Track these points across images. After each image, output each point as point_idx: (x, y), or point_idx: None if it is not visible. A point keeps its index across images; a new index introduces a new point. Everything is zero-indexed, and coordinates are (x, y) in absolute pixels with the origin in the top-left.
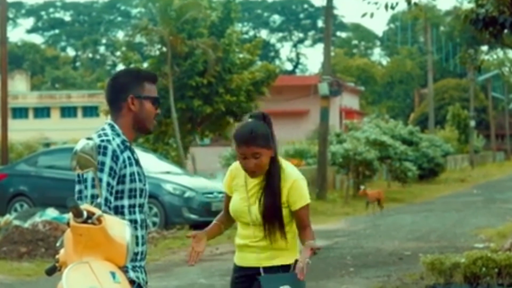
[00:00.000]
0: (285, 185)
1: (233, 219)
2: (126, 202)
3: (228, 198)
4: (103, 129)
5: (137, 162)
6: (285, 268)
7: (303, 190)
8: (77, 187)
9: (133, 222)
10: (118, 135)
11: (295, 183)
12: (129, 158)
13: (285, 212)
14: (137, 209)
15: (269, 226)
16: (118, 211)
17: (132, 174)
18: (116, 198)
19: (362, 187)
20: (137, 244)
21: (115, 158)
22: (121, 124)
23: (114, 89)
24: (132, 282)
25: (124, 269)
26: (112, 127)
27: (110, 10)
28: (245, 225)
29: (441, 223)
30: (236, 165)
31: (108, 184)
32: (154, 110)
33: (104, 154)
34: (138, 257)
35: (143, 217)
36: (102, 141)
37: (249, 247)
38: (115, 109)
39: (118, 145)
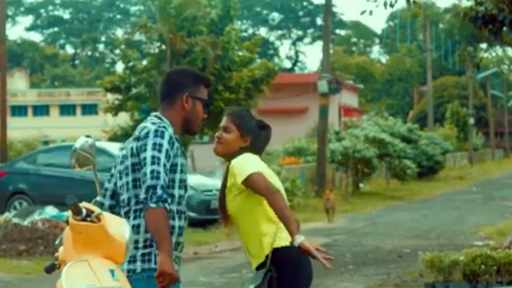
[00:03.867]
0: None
1: None
2: (176, 192)
3: None
4: (156, 118)
5: (184, 154)
6: (260, 268)
7: (239, 166)
8: (130, 177)
9: (181, 212)
10: (169, 126)
11: (232, 167)
12: (177, 148)
13: (237, 201)
14: (183, 200)
15: (223, 218)
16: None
17: (182, 165)
18: (167, 187)
19: (327, 190)
20: (181, 234)
21: (171, 143)
22: (170, 119)
23: (171, 84)
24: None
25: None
26: (160, 119)
27: (109, 8)
28: None
29: (440, 221)
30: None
31: (165, 165)
32: (203, 113)
33: (162, 137)
34: (179, 248)
35: (181, 208)
36: (160, 126)
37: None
38: (167, 104)
39: (170, 136)
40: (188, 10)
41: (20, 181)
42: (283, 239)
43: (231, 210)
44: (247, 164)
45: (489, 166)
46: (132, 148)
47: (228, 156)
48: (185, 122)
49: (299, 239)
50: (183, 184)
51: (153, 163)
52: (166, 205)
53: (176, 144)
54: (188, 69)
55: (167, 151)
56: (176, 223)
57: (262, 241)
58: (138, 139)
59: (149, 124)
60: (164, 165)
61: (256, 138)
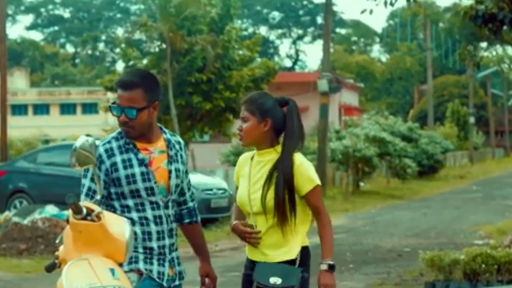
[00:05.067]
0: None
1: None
2: (130, 201)
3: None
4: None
5: (142, 163)
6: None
7: (309, 172)
8: (82, 181)
9: (143, 218)
10: (122, 137)
11: (300, 167)
12: (123, 161)
13: (286, 200)
14: (147, 206)
15: (280, 213)
16: (124, 210)
17: (129, 176)
18: (118, 199)
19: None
20: (150, 239)
21: (99, 163)
22: None
23: None
24: (140, 273)
25: (134, 260)
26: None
27: (110, 6)
28: (248, 216)
29: (441, 220)
30: (244, 155)
31: (89, 188)
32: (117, 117)
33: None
34: (155, 252)
35: (160, 213)
36: (103, 143)
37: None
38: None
39: (108, 149)
40: (188, 9)
41: (20, 180)
42: (305, 240)
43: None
44: (313, 172)
45: (490, 165)
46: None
47: (257, 144)
48: (149, 126)
49: (324, 267)
50: (140, 193)
51: (92, 179)
52: None
53: (121, 156)
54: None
55: (92, 173)
56: (153, 228)
57: (296, 240)
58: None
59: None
60: (89, 188)
61: (278, 119)
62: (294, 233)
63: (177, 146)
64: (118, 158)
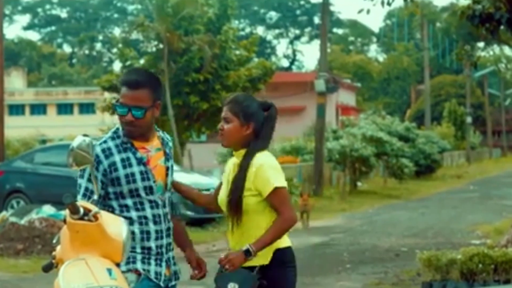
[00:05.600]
0: (250, 173)
1: (211, 203)
2: (129, 201)
3: (219, 187)
4: (111, 131)
5: (140, 161)
6: (251, 270)
7: (267, 174)
8: (79, 181)
9: (142, 218)
10: (119, 136)
11: (260, 169)
12: (122, 160)
13: (252, 200)
14: (146, 205)
15: (232, 217)
16: (123, 209)
17: (129, 175)
18: (117, 198)
19: (305, 194)
20: (148, 239)
21: (96, 164)
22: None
23: None
24: (138, 273)
25: (132, 260)
26: (117, 128)
27: (107, 6)
28: (227, 218)
29: (438, 220)
30: (230, 160)
31: (86, 189)
32: (120, 116)
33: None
34: (153, 252)
35: (158, 212)
36: (98, 143)
37: (229, 240)
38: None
39: (106, 149)
40: (185, 9)
41: (18, 180)
42: (285, 240)
43: (244, 207)
44: (273, 174)
45: (487, 165)
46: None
47: (237, 146)
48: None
49: (248, 252)
50: (140, 192)
51: (89, 180)
52: None
53: (120, 156)
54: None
55: (89, 173)
56: (151, 228)
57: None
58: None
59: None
60: (86, 188)
61: (260, 122)
62: (253, 229)
63: (170, 144)
64: (117, 158)
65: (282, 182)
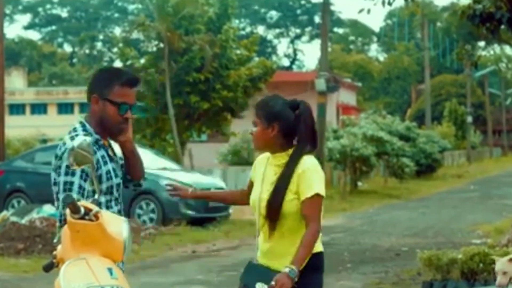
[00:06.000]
0: (296, 174)
1: (243, 199)
2: (103, 198)
3: (251, 185)
4: (75, 130)
5: (112, 159)
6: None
7: (311, 179)
8: (69, 179)
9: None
10: (90, 134)
11: (306, 172)
12: (103, 157)
13: (296, 206)
14: (113, 203)
15: (270, 220)
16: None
17: (108, 172)
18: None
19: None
20: None
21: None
22: (91, 123)
23: (88, 86)
24: None
25: None
26: (83, 126)
27: (107, 6)
28: (259, 219)
29: (438, 219)
30: (261, 156)
31: (80, 187)
32: (118, 115)
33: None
34: None
35: (119, 208)
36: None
37: (261, 244)
38: (88, 106)
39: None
40: (185, 9)
41: (18, 180)
42: (318, 245)
43: (285, 210)
44: (318, 181)
45: (487, 164)
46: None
47: (268, 149)
48: (100, 125)
49: (293, 273)
50: (113, 190)
51: (64, 190)
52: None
53: (99, 153)
54: (109, 68)
55: (82, 170)
56: None
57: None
58: (56, 157)
59: (68, 138)
60: (80, 186)
61: (286, 123)
62: (293, 242)
63: (111, 142)
64: (98, 154)
65: (322, 191)
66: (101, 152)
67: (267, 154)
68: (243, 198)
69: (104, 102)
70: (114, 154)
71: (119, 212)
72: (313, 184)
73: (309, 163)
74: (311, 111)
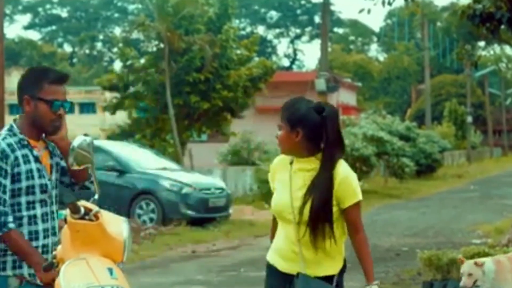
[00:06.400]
0: (336, 180)
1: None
2: (23, 199)
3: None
4: (9, 125)
5: (37, 159)
6: (328, 280)
7: (354, 186)
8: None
9: (32, 217)
10: (15, 134)
11: (346, 180)
12: (25, 156)
13: (336, 212)
14: (37, 204)
15: (315, 225)
16: (14, 208)
17: (28, 171)
18: (13, 196)
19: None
20: (36, 238)
21: (4, 158)
22: (21, 123)
23: (17, 87)
24: (21, 279)
25: (18, 264)
26: (11, 126)
27: (107, 6)
28: (287, 224)
29: (438, 219)
30: (281, 158)
31: (0, 183)
32: (51, 112)
33: None
34: (39, 250)
35: (46, 210)
36: None
37: (289, 251)
38: (20, 107)
39: (9, 144)
40: (186, 9)
41: None
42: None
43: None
44: (358, 186)
45: (487, 164)
46: None
47: (294, 153)
48: (34, 125)
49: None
50: (35, 190)
51: None
52: (9, 226)
53: (21, 152)
54: (35, 68)
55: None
56: (40, 227)
57: (336, 254)
58: None
59: None
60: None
61: (311, 127)
62: (335, 247)
63: (53, 143)
64: (18, 153)
65: (360, 195)
66: (23, 151)
67: (285, 158)
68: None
69: (36, 102)
70: (54, 155)
71: (46, 215)
72: (356, 191)
73: (347, 169)
74: (337, 114)
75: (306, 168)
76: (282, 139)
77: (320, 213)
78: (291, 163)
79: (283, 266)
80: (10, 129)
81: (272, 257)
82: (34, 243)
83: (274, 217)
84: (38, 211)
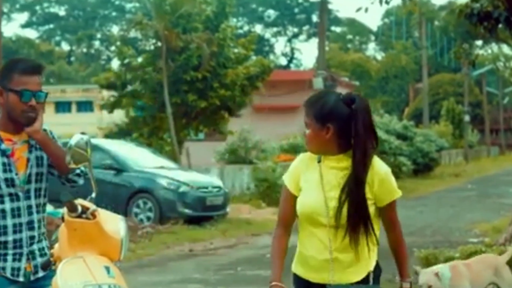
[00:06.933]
0: (374, 177)
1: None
2: None
3: (290, 200)
4: None
5: (4, 153)
6: (364, 281)
7: (393, 182)
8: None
9: (1, 211)
10: None
11: (386, 176)
12: None
13: (373, 211)
14: (6, 198)
15: (356, 228)
16: None
17: None
18: None
19: None
20: (5, 233)
21: None
22: (1, 116)
23: None
24: None
25: None
26: None
27: (105, 4)
28: (319, 229)
29: (436, 218)
30: (305, 156)
31: None
32: (20, 103)
33: None
34: (9, 246)
35: (19, 205)
36: None
37: (323, 259)
38: None
39: None
40: (183, 7)
41: None
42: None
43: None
44: (394, 179)
45: (485, 163)
46: None
47: (325, 152)
48: (9, 117)
49: (407, 285)
50: (11, 183)
51: None
52: None
53: None
54: (8, 61)
55: None
56: (9, 222)
57: (371, 255)
58: None
59: None
60: None
61: (342, 121)
62: (369, 247)
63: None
64: None
65: (398, 190)
66: None
67: (311, 156)
68: (289, 233)
69: (7, 93)
70: (36, 148)
71: (17, 209)
72: (394, 187)
73: (384, 166)
74: (368, 105)
75: (339, 167)
76: (310, 137)
77: (359, 214)
78: (319, 161)
79: (315, 277)
80: None
81: (301, 269)
82: (3, 238)
83: (283, 232)
84: (7, 205)
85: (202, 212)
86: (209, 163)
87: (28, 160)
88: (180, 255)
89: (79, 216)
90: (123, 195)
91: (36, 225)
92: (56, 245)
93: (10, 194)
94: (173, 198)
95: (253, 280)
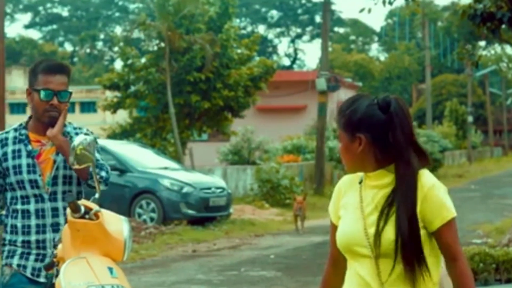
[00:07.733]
0: (418, 194)
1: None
2: (18, 193)
3: (334, 232)
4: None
5: (30, 154)
6: None
7: (443, 199)
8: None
9: (26, 211)
10: (17, 129)
11: (432, 191)
12: (16, 151)
13: (424, 235)
14: (31, 199)
15: (408, 257)
16: (12, 202)
17: (16, 166)
18: (10, 190)
19: (299, 197)
20: (29, 233)
21: None
22: (32, 117)
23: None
24: (9, 266)
25: (11, 254)
26: (23, 121)
27: (108, 5)
28: (360, 260)
29: None
30: (347, 178)
31: None
32: (41, 102)
33: None
34: (33, 246)
35: (44, 206)
36: None
37: None
38: (20, 106)
39: (1, 140)
40: (186, 8)
41: None
42: None
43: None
44: (448, 199)
45: (488, 164)
46: None
47: (362, 169)
48: (36, 118)
49: None
50: (25, 185)
51: None
52: None
53: (13, 147)
54: (37, 61)
55: None
56: (33, 222)
57: (436, 283)
58: None
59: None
60: None
61: (376, 130)
62: (428, 281)
63: (73, 137)
64: (9, 148)
65: (455, 211)
66: (16, 147)
67: (354, 177)
68: (341, 263)
69: (33, 93)
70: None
71: (42, 210)
72: (446, 205)
73: (432, 180)
74: (406, 109)
75: (380, 184)
76: (342, 151)
77: (409, 240)
78: (360, 182)
79: None
80: (20, 124)
81: None
82: (26, 237)
83: (331, 270)
84: (32, 206)
85: (206, 212)
86: (213, 163)
87: (54, 162)
88: (183, 255)
89: (83, 217)
90: (126, 196)
91: (62, 227)
92: (59, 246)
93: (35, 195)
94: (177, 198)
95: (257, 281)
